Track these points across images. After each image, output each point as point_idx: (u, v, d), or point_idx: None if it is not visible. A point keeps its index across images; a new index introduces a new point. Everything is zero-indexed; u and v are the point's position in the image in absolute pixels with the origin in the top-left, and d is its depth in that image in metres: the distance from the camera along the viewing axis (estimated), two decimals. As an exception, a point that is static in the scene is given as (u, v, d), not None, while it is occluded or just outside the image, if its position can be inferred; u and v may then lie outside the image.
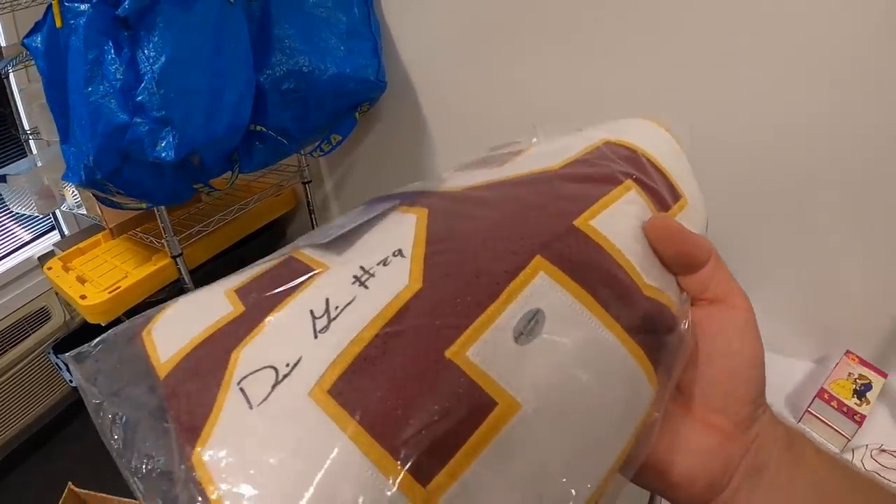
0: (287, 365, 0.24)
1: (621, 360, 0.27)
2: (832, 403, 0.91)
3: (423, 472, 0.21)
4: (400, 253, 0.28)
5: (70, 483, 0.65)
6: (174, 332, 0.28)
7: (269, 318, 0.27)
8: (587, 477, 0.26)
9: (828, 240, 0.97)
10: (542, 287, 0.26)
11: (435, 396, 0.22)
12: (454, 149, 1.29)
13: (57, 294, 2.16)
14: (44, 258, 2.11)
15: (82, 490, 0.67)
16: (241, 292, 0.29)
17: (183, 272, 1.27)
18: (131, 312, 1.40)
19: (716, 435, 0.29)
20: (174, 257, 1.24)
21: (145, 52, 0.89)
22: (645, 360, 0.28)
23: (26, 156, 2.07)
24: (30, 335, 2.11)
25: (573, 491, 0.25)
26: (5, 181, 1.72)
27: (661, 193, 0.35)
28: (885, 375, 0.95)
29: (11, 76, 1.98)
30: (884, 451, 0.88)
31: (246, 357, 0.25)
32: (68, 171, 1.06)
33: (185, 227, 1.29)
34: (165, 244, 1.23)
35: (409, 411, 0.22)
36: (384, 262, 0.28)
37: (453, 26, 1.16)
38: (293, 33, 1.10)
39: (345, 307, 0.26)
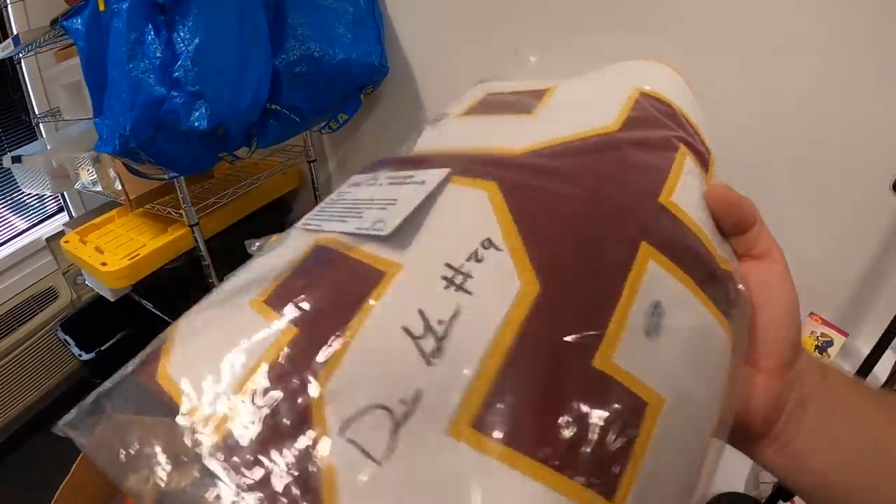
0: (402, 402, 0.21)
1: (720, 338, 0.27)
2: None
3: (609, 490, 0.20)
4: (491, 244, 0.25)
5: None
6: (207, 370, 0.23)
7: (347, 341, 0.22)
8: (700, 450, 0.26)
9: (787, 209, 1.04)
10: (656, 276, 0.26)
11: (596, 410, 0.21)
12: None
13: (64, 274, 2.24)
14: (52, 239, 2.18)
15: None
16: (277, 303, 0.25)
17: (199, 240, 1.38)
18: (150, 278, 1.50)
19: (767, 375, 0.31)
20: (192, 226, 1.35)
21: (180, 34, 1.01)
22: (730, 330, 0.28)
23: (36, 139, 2.14)
24: (37, 314, 2.18)
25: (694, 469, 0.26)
26: (20, 161, 1.79)
27: (703, 154, 0.34)
28: (846, 335, 1.01)
29: (24, 62, 2.07)
30: None
31: (334, 396, 0.21)
32: (100, 142, 1.17)
33: (200, 199, 1.40)
34: (184, 213, 1.34)
35: (575, 432, 0.20)
36: (476, 257, 0.25)
37: (452, 15, 1.28)
38: (305, 22, 1.22)
39: (451, 321, 0.23)
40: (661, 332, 0.24)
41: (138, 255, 1.43)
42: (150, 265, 1.45)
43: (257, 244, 0.83)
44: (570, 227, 0.26)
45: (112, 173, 1.49)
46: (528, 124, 0.34)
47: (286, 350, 0.22)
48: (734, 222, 0.32)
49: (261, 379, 0.22)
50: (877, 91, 0.90)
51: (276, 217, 1.78)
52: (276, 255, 0.30)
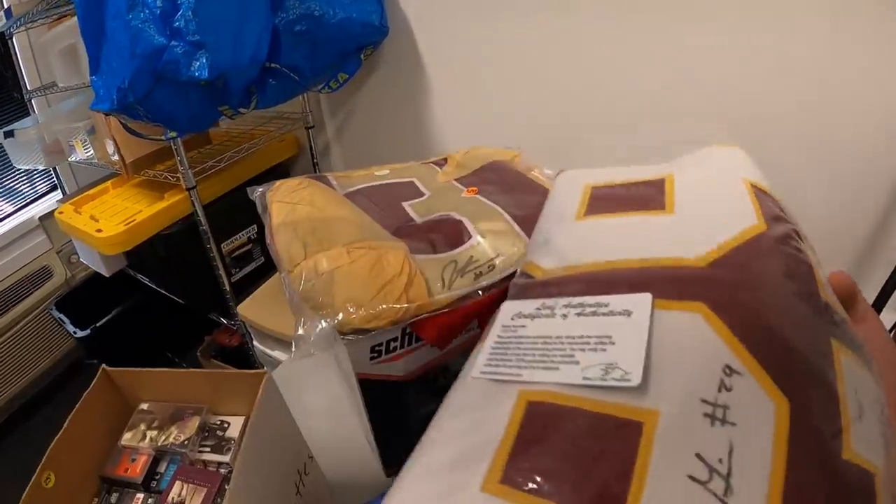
0: None
1: (884, 402, 0.31)
2: None
3: None
4: (732, 370, 0.26)
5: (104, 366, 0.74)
6: None
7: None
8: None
9: (787, 164, 0.99)
10: (847, 366, 0.28)
11: (848, 497, 0.24)
12: (451, 93, 1.41)
13: (58, 253, 2.23)
14: (45, 218, 2.17)
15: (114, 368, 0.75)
16: (521, 481, 0.24)
17: (196, 205, 1.37)
18: (145, 250, 1.49)
19: None
20: (189, 189, 1.34)
21: (180, -17, 1.00)
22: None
23: (28, 115, 2.13)
24: (32, 293, 2.17)
25: None
26: (13, 136, 1.78)
27: (799, 231, 0.38)
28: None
29: (15, 39, 2.05)
30: None
31: None
32: (97, 100, 1.16)
33: (198, 163, 1.39)
34: (181, 177, 1.33)
35: None
36: (725, 387, 0.25)
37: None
38: (305, -20, 1.21)
39: (729, 457, 0.24)
40: (864, 412, 0.27)
41: (134, 220, 1.42)
42: (147, 231, 1.44)
43: (259, 190, 0.81)
44: (785, 335, 0.27)
45: (108, 142, 1.48)
46: (677, 226, 0.35)
47: None
48: (846, 297, 0.36)
49: None
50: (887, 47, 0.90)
51: (274, 183, 1.76)
52: (472, 420, 0.29)
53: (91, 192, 1.70)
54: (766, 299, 0.29)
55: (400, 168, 0.87)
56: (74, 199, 1.67)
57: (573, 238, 0.39)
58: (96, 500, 0.71)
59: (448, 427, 0.30)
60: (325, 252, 0.63)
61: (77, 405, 0.69)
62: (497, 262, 0.64)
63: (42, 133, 1.75)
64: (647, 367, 0.26)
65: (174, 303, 1.74)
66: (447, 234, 0.68)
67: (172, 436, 0.74)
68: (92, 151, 1.66)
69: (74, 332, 1.91)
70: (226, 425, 0.75)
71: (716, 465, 0.23)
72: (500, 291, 0.63)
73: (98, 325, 1.91)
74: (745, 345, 0.26)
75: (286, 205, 0.74)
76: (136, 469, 0.71)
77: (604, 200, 0.41)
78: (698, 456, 0.23)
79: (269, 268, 1.68)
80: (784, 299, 0.29)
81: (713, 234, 0.33)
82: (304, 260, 0.64)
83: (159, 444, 0.73)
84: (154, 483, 0.71)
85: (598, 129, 1.22)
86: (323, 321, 0.58)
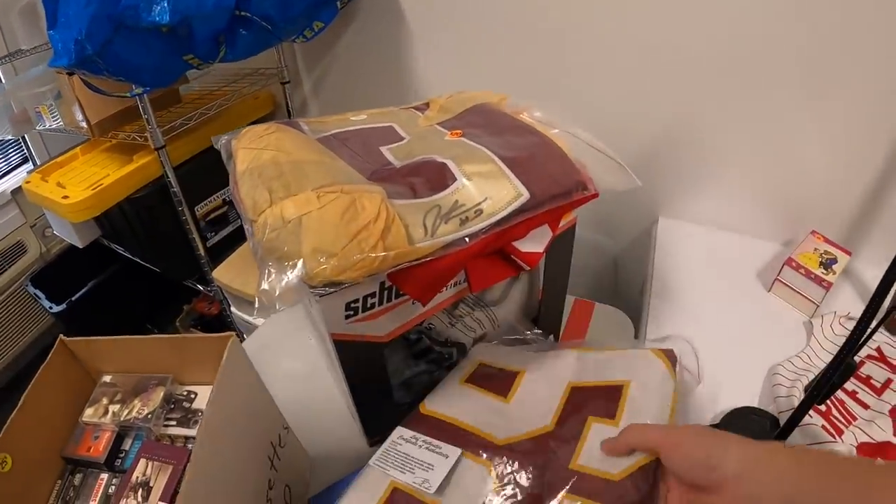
0: None
1: None
2: (800, 271, 0.95)
3: None
4: (491, 500, 0.54)
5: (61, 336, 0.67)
6: None
7: None
8: None
9: (790, 120, 1.00)
10: None
11: None
12: (435, 42, 1.32)
13: (32, 227, 2.14)
14: (17, 192, 2.08)
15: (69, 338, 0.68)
16: None
17: (166, 166, 1.29)
18: (117, 211, 1.41)
19: None
20: (158, 149, 1.26)
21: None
22: None
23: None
24: (6, 269, 2.09)
25: None
26: (-26, 107, 1.69)
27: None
28: (849, 253, 0.98)
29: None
30: (851, 318, 0.91)
31: None
32: (55, 56, 1.07)
33: (167, 122, 1.31)
34: (149, 136, 1.25)
35: None
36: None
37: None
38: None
39: None
40: None
41: (101, 185, 1.34)
42: (115, 195, 1.36)
43: (225, 138, 0.73)
44: (531, 491, 0.54)
45: (75, 106, 1.40)
46: (504, 416, 0.64)
47: None
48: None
49: None
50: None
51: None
52: (366, 487, 0.58)
53: (60, 159, 1.61)
54: (526, 472, 0.55)
55: (378, 113, 0.80)
56: (42, 167, 1.59)
57: (451, 395, 0.68)
58: (59, 482, 0.64)
59: (360, 489, 0.58)
60: (293, 197, 0.56)
61: (33, 380, 0.62)
62: (485, 206, 0.57)
63: (9, 101, 1.66)
64: (449, 483, 0.56)
65: (152, 273, 1.67)
66: (429, 177, 0.61)
67: (135, 409, 0.67)
68: (59, 117, 1.58)
69: (50, 308, 1.84)
70: (193, 396, 0.69)
71: None
72: (490, 238, 0.56)
73: (74, 299, 1.84)
74: (502, 487, 0.54)
75: (252, 151, 0.67)
76: (99, 447, 0.65)
77: (479, 376, 0.70)
78: None
79: (250, 245, 1.59)
80: (537, 471, 0.55)
81: (519, 426, 0.60)
82: (270, 207, 0.57)
83: (122, 419, 0.66)
84: (118, 462, 0.65)
85: (586, 74, 1.15)
86: (289, 273, 0.51)
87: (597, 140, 0.70)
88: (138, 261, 1.67)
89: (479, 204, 0.57)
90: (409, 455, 0.58)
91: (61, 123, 1.56)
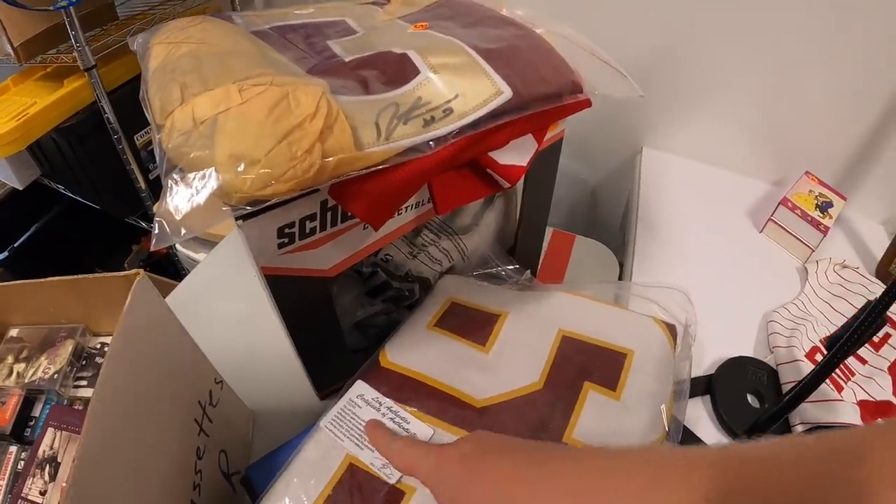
0: None
1: None
2: (796, 212, 0.89)
3: None
4: None
5: None
6: None
7: None
8: None
9: (793, 51, 0.92)
10: None
11: None
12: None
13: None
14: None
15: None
16: None
17: (98, 89, 1.14)
18: (50, 143, 1.27)
19: None
20: (88, 70, 1.11)
21: None
22: None
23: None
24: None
25: None
26: None
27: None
28: (844, 198, 0.93)
29: None
30: (846, 266, 0.87)
31: None
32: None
33: (99, 40, 1.16)
34: (77, 56, 1.10)
35: None
36: None
37: None
38: None
39: None
40: None
41: (27, 114, 1.19)
42: (43, 124, 1.21)
43: (140, 38, 0.57)
44: None
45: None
46: (483, 369, 0.53)
47: None
48: None
49: None
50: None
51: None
52: (317, 458, 0.48)
53: (-11, 92, 1.45)
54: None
55: (329, 7, 0.66)
56: (-31, 102, 1.42)
57: (417, 343, 0.56)
58: None
59: (309, 461, 0.47)
60: (208, 92, 0.43)
61: None
62: (455, 104, 0.45)
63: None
64: None
65: (98, 213, 1.54)
66: (385, 69, 0.48)
67: (41, 368, 0.56)
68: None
69: (-12, 268, 1.70)
70: (106, 349, 0.57)
71: None
72: (461, 144, 0.44)
73: (16, 245, 1.70)
74: None
75: (168, 45, 0.54)
76: (6, 416, 0.55)
77: (451, 319, 0.58)
78: None
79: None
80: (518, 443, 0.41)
81: (501, 383, 0.51)
82: (180, 106, 0.44)
83: (27, 380, 0.56)
84: (28, 432, 0.55)
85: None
86: (198, 186, 0.39)
87: (590, 42, 0.58)
88: (80, 200, 1.53)
89: (449, 102, 0.45)
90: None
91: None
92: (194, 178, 0.39)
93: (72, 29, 1.08)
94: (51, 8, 1.05)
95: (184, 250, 1.23)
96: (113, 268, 1.88)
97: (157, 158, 0.45)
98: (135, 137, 1.31)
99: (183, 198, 0.39)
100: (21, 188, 1.56)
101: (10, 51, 1.22)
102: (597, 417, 0.48)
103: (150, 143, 1.38)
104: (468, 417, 0.48)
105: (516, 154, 0.50)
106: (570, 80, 0.51)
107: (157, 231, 0.39)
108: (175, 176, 0.40)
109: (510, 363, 0.53)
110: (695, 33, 0.97)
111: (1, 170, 1.54)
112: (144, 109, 0.52)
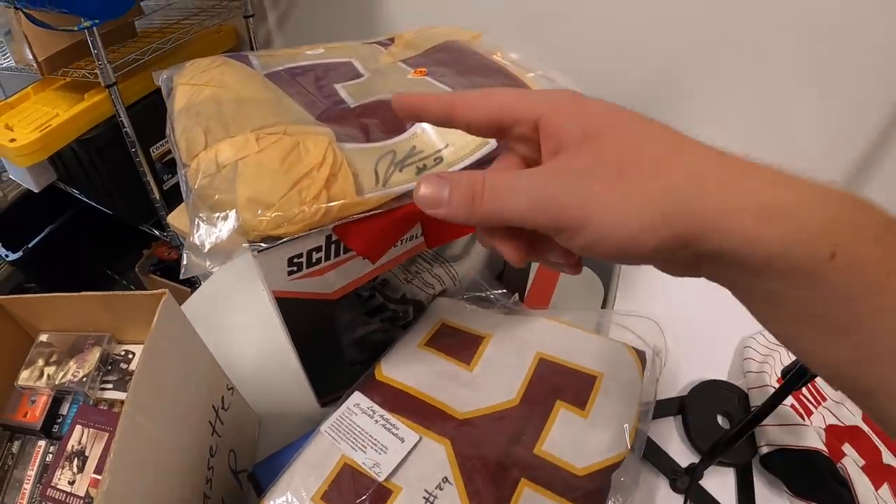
0: None
1: None
2: None
3: None
4: (447, 481, 0.49)
5: None
6: None
7: None
8: None
9: (781, 88, 0.96)
10: (528, 496, 0.49)
11: None
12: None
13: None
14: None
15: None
16: (330, 499, 0.49)
17: (117, 104, 1.21)
18: (70, 153, 1.33)
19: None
20: (108, 87, 1.18)
21: None
22: None
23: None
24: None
25: None
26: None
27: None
28: None
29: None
30: None
31: None
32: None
33: (120, 58, 1.22)
34: (99, 72, 1.16)
35: None
36: (440, 487, 0.48)
37: None
38: None
39: None
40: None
41: (50, 125, 1.25)
42: (65, 136, 1.27)
43: (166, 74, 0.65)
44: (490, 471, 0.49)
45: (24, 43, 1.30)
46: (465, 385, 0.59)
47: None
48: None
49: None
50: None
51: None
52: (316, 458, 0.54)
53: (10, 100, 1.51)
54: (487, 452, 0.51)
55: (337, 47, 0.73)
56: (-8, 110, 1.49)
57: (409, 360, 0.62)
58: None
59: (309, 461, 0.53)
60: (230, 139, 0.50)
61: None
62: (445, 153, 0.51)
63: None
64: (405, 463, 0.51)
65: (111, 217, 1.60)
66: (385, 118, 0.55)
67: (70, 372, 0.62)
68: (10, 55, 1.49)
69: (6, 255, 1.76)
70: (130, 356, 0.64)
71: None
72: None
73: (30, 246, 1.76)
74: (461, 470, 0.50)
75: (192, 87, 0.60)
76: (36, 413, 0.60)
77: (441, 339, 0.64)
78: None
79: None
80: (498, 454, 0.51)
81: (481, 399, 0.56)
82: (205, 150, 0.50)
83: (57, 382, 0.61)
84: (56, 428, 0.60)
85: (567, 20, 1.08)
86: (221, 225, 0.45)
87: (576, 86, 0.64)
88: (95, 205, 1.59)
89: (440, 151, 0.51)
90: (364, 430, 0.54)
91: (12, 62, 1.48)
92: (218, 218, 0.45)
93: (94, 48, 1.15)
94: (75, 28, 1.12)
95: (196, 259, 1.29)
96: (122, 271, 1.94)
97: (184, 193, 0.51)
98: (150, 149, 1.38)
99: (208, 234, 0.45)
100: (37, 191, 1.63)
101: (34, 62, 1.28)
102: (565, 433, 0.54)
103: (164, 154, 1.45)
104: (450, 427, 0.53)
105: (500, 194, 0.56)
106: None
107: (185, 262, 0.45)
108: (202, 215, 0.46)
109: (491, 381, 0.59)
110: (683, 68, 1.02)
111: (19, 173, 1.61)
112: (171, 147, 0.58)
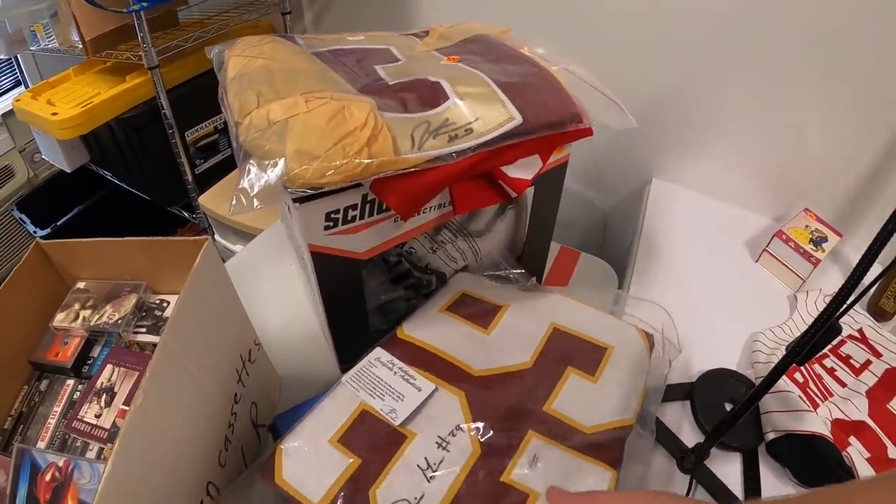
0: (416, 498, 0.48)
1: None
2: (789, 244, 0.94)
3: None
4: (459, 429, 0.53)
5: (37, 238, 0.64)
6: (310, 477, 0.50)
7: (390, 468, 0.50)
8: None
9: (794, 94, 0.98)
10: (536, 445, 0.53)
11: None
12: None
13: (21, 152, 2.10)
14: (8, 116, 2.04)
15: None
16: (347, 444, 0.52)
17: (159, 86, 1.26)
18: (106, 132, 1.38)
19: None
20: (151, 69, 1.23)
21: None
22: None
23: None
24: (-8, 193, 2.05)
25: None
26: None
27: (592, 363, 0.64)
28: (840, 235, 0.97)
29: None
30: None
31: (382, 494, 0.48)
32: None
33: (162, 43, 1.28)
34: (143, 54, 1.22)
35: None
36: (453, 434, 0.52)
37: None
38: None
39: (440, 463, 0.50)
40: (538, 461, 0.51)
41: (91, 102, 1.31)
42: (105, 113, 1.33)
43: (217, 48, 0.70)
44: (500, 422, 0.54)
45: (71, 25, 1.36)
46: (482, 347, 0.63)
47: (354, 472, 0.51)
48: None
49: (342, 483, 0.50)
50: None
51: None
52: (335, 405, 0.57)
53: (52, 80, 1.57)
54: (498, 405, 0.56)
55: (376, 36, 0.78)
56: (34, 87, 1.55)
57: (429, 321, 0.67)
58: (26, 387, 0.62)
59: (328, 408, 0.57)
60: (280, 100, 0.54)
61: (4, 282, 0.60)
62: (475, 125, 0.56)
63: (2, 20, 1.61)
64: (419, 412, 0.55)
65: (138, 200, 1.65)
66: (421, 94, 0.59)
67: (106, 315, 0.65)
68: (54, 37, 1.54)
69: (34, 232, 1.81)
70: (165, 304, 0.67)
71: (434, 464, 0.50)
72: (478, 158, 0.55)
73: (58, 224, 1.82)
74: (473, 417, 0.54)
75: (244, 58, 0.65)
76: (67, 353, 0.63)
77: (460, 306, 0.69)
78: (426, 458, 0.51)
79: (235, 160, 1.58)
80: (509, 406, 0.56)
81: (497, 359, 0.61)
82: (257, 109, 0.55)
83: (92, 324, 0.65)
84: (86, 368, 0.63)
85: (592, 23, 1.12)
86: (270, 172, 0.50)
87: (596, 79, 0.68)
88: (125, 186, 1.64)
89: (470, 123, 0.56)
90: (383, 380, 0.58)
91: (56, 43, 1.53)
92: (268, 165, 0.50)
93: (140, 31, 1.20)
94: (125, 10, 1.18)
95: (222, 241, 1.34)
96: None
97: (233, 147, 0.56)
98: (185, 133, 1.43)
99: (258, 178, 0.49)
100: (69, 171, 1.68)
101: (80, 43, 1.34)
102: (575, 395, 0.58)
103: (199, 139, 1.50)
104: (466, 382, 0.58)
105: (523, 169, 0.60)
106: (572, 112, 0.61)
107: (234, 203, 0.50)
108: (252, 161, 0.50)
109: (506, 344, 0.63)
110: (701, 76, 1.05)
111: (52, 153, 1.66)
112: (223, 109, 0.63)
